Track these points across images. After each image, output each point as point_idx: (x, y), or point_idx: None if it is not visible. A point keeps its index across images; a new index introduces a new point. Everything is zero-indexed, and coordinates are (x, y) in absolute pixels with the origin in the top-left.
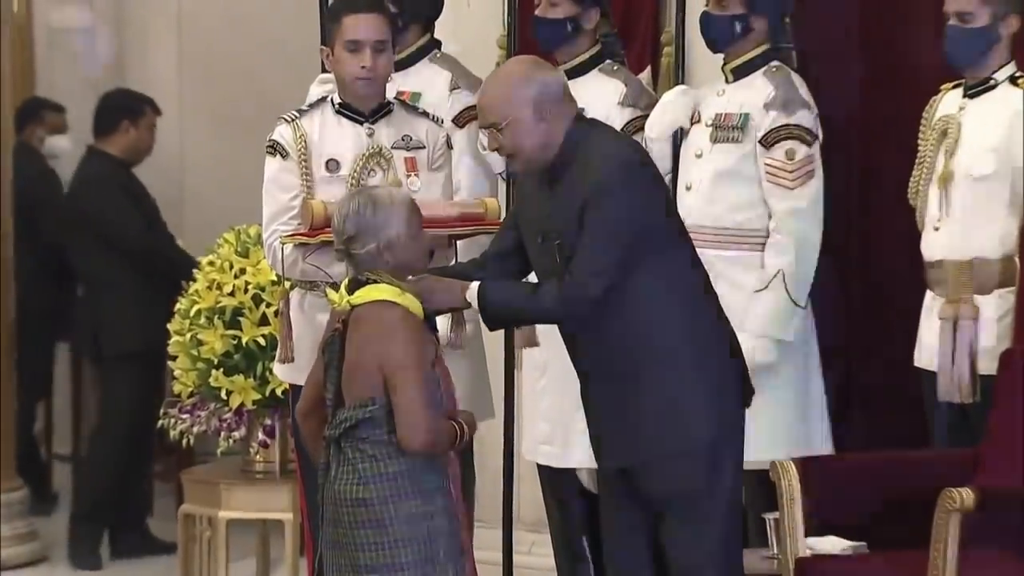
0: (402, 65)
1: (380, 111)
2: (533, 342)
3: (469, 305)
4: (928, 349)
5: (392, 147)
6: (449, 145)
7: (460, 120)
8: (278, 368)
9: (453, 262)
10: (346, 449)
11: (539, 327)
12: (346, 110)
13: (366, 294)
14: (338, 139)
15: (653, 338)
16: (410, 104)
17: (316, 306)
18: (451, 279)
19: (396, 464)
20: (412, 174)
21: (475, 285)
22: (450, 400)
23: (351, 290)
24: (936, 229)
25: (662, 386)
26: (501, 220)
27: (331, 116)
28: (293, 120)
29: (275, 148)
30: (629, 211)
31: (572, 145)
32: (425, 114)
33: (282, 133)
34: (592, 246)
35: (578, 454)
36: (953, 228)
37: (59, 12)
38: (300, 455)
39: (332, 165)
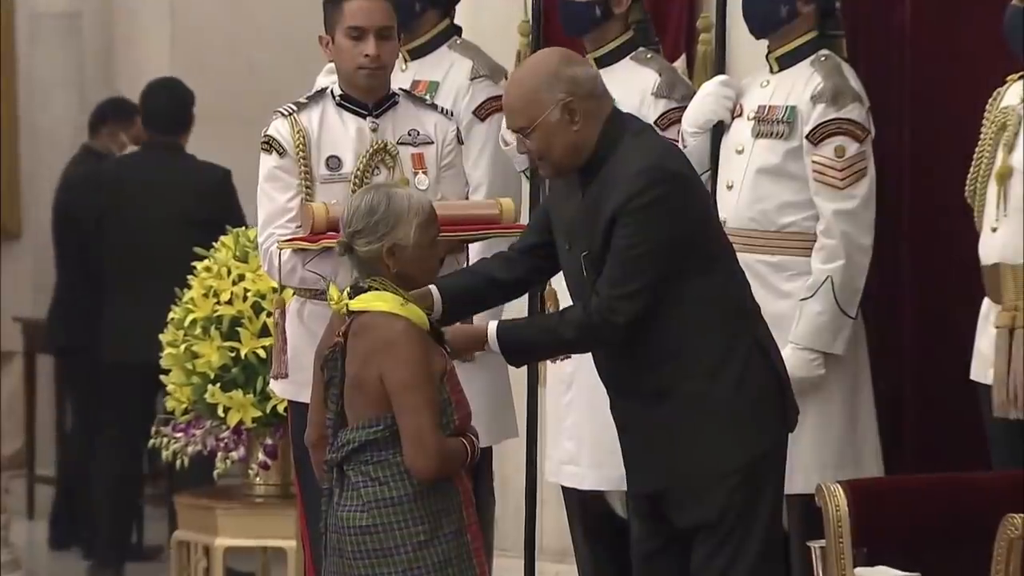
0: (419, 52)
1: (384, 103)
2: None
3: (491, 349)
4: (985, 360)
5: (398, 142)
6: (459, 140)
7: (481, 112)
8: (275, 384)
9: (464, 266)
10: (349, 473)
11: None
12: (347, 103)
13: (367, 302)
14: (339, 135)
15: (687, 356)
16: (417, 96)
17: (316, 315)
18: (470, 326)
19: (403, 487)
20: (419, 171)
21: (493, 328)
22: (462, 417)
23: (352, 296)
24: (994, 230)
25: (695, 406)
26: (516, 222)
27: (332, 110)
28: (290, 114)
29: (271, 144)
30: (661, 230)
31: (606, 146)
32: (433, 106)
33: (278, 128)
34: (621, 267)
35: (607, 475)
36: (1011, 229)
37: None
38: (300, 478)
39: (333, 163)
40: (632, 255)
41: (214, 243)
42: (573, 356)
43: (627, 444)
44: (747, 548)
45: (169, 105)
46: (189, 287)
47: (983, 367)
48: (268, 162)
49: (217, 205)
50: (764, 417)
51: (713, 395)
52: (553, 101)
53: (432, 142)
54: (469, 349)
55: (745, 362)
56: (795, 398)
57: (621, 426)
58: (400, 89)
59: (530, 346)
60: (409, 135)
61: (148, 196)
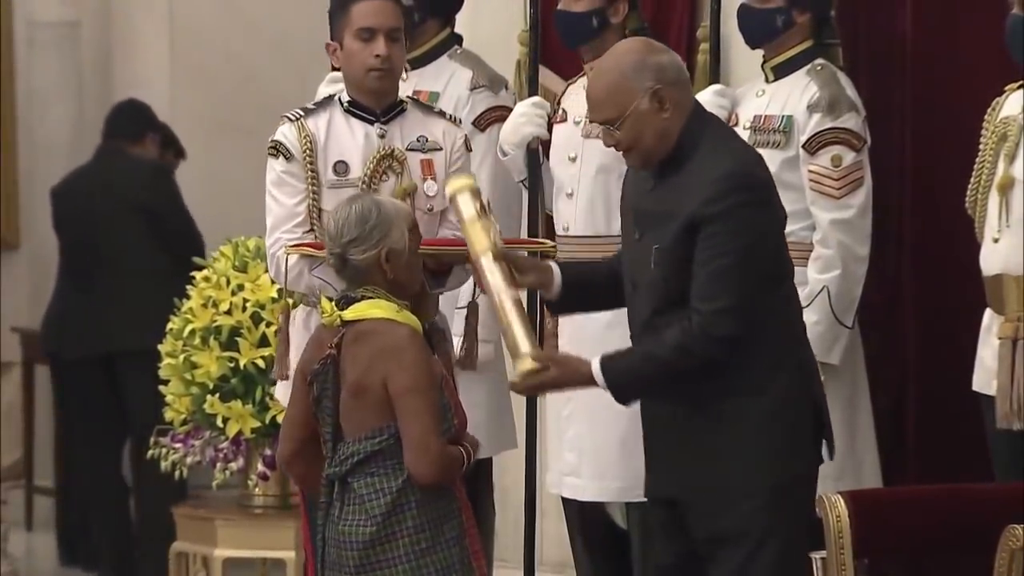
0: (419, 62)
1: (392, 110)
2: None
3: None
4: (987, 371)
5: (407, 148)
6: (467, 147)
7: (481, 122)
8: (280, 389)
9: (469, 271)
10: (355, 485)
11: (564, 331)
12: (355, 108)
13: (362, 310)
14: (347, 140)
15: (731, 374)
16: (425, 103)
17: None
18: (576, 361)
19: (407, 495)
20: (428, 178)
21: (597, 362)
22: (461, 421)
23: (342, 307)
24: (995, 241)
25: (729, 424)
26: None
27: (339, 116)
28: (297, 119)
29: (278, 149)
30: (747, 238)
31: (688, 141)
32: (442, 114)
33: (285, 133)
34: (711, 281)
35: (608, 487)
36: (1013, 239)
37: (40, 5)
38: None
39: (340, 167)
40: (720, 266)
41: (214, 254)
42: None
43: (653, 446)
44: (763, 570)
45: (128, 121)
46: (188, 296)
47: (986, 378)
48: (275, 166)
49: (151, 196)
50: (799, 442)
51: (749, 415)
52: (642, 90)
53: (441, 148)
54: (578, 385)
55: (787, 386)
56: None
57: (649, 428)
58: (408, 97)
59: (632, 375)
60: (418, 141)
61: (90, 193)
